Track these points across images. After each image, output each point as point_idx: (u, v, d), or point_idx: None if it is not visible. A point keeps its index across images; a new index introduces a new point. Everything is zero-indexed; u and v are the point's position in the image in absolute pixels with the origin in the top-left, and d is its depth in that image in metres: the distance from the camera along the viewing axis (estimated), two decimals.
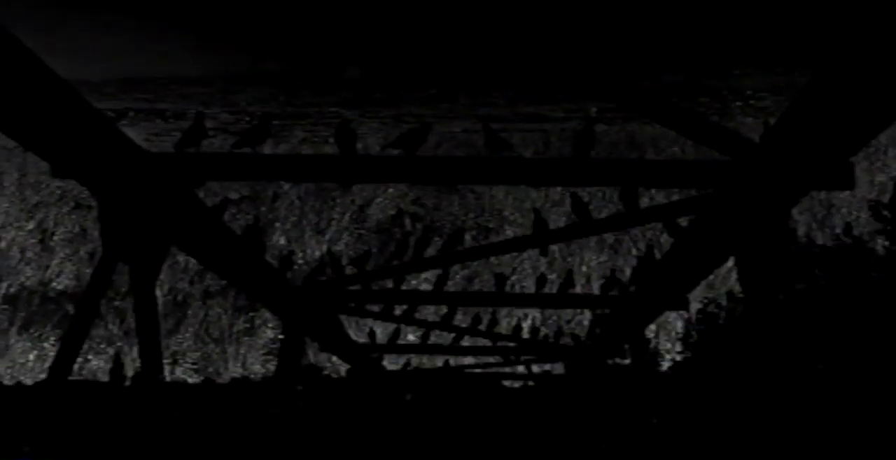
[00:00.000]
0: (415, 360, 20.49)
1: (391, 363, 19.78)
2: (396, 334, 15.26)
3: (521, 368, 20.18)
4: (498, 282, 11.41)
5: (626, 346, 14.58)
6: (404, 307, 12.49)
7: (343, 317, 13.59)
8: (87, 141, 5.39)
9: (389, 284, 11.00)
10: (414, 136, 5.95)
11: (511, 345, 15.83)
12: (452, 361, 20.06)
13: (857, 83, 4.13)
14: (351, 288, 10.69)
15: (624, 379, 16.15)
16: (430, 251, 9.37)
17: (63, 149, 5.41)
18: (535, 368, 20.23)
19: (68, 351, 5.40)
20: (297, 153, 7.54)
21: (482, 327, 13.84)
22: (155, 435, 6.35)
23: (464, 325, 13.92)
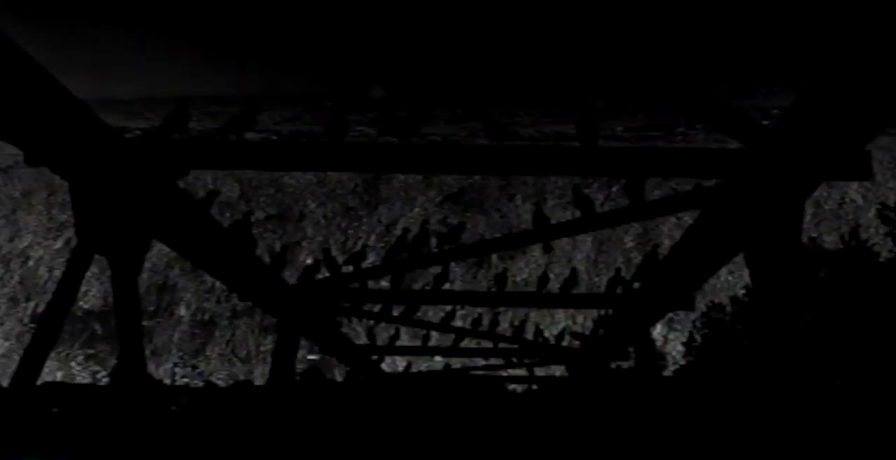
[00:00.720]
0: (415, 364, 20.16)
1: (390, 366, 19.46)
2: (396, 336, 14.94)
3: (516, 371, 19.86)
4: (498, 282, 11.10)
5: (630, 349, 14.26)
6: (403, 308, 12.20)
7: (348, 321, 13.33)
8: (60, 126, 5.11)
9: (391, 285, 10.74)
10: (409, 123, 5.65)
11: (513, 347, 15.52)
12: (456, 363, 19.74)
13: (871, 71, 3.86)
14: (348, 287, 10.39)
15: (628, 382, 15.80)
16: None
17: (35, 135, 5.12)
18: (540, 371, 19.88)
19: (38, 350, 5.10)
20: (284, 140, 7.27)
21: (482, 328, 13.53)
22: (138, 437, 6.06)
23: (465, 327, 13.60)
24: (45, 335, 5.15)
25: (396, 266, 9.10)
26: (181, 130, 6.02)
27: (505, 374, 20.26)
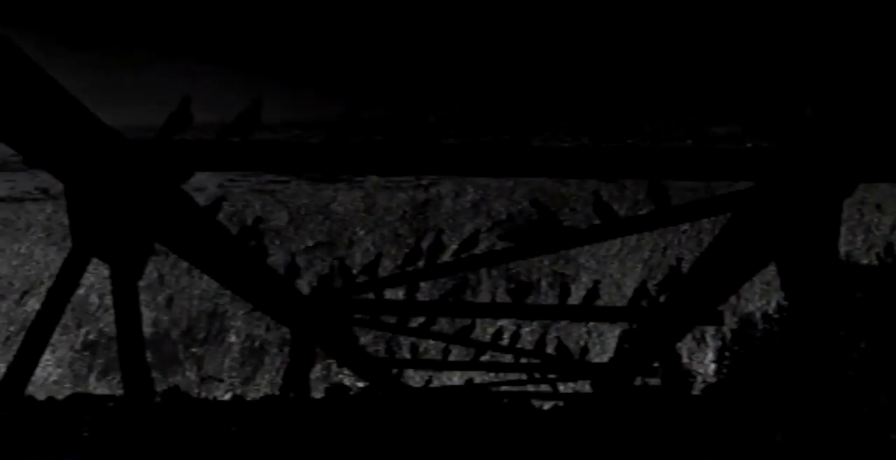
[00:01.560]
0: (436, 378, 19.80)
1: (411, 379, 19.12)
2: (416, 349, 14.62)
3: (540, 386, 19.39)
4: (519, 293, 10.76)
5: (657, 365, 13.81)
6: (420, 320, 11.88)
7: (367, 333, 13.04)
8: (57, 125, 4.91)
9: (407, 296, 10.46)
10: (411, 122, 5.38)
11: (535, 361, 15.11)
12: (477, 378, 19.34)
13: None
14: (363, 297, 10.11)
15: (655, 400, 15.31)
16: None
17: (33, 135, 4.93)
18: (563, 387, 19.40)
19: (27, 357, 4.86)
20: (289, 141, 7.05)
21: (503, 341, 13.16)
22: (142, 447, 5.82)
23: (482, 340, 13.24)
24: (34, 341, 4.91)
25: (411, 275, 8.80)
26: (184, 130, 5.80)
27: (531, 389, 19.80)
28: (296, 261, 9.12)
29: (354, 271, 9.73)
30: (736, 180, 5.48)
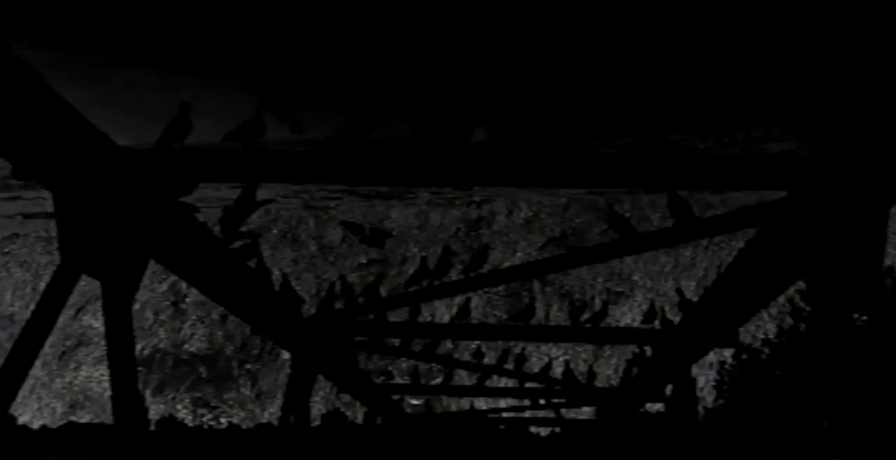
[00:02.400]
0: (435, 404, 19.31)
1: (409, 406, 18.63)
2: (416, 373, 14.22)
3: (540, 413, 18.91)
4: (525, 315, 10.42)
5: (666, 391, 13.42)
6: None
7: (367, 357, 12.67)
8: (49, 130, 4.61)
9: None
10: (433, 131, 5.09)
11: (539, 386, 14.71)
12: (479, 404, 18.88)
13: None
14: (364, 319, 9.76)
15: (663, 426, 14.88)
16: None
17: (21, 141, 4.62)
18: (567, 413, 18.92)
19: (9, 377, 4.50)
20: (300, 150, 6.77)
21: (508, 366, 12.77)
22: None
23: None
24: (18, 361, 4.56)
25: (416, 296, 8.45)
26: (183, 139, 5.50)
27: (531, 415, 19.33)
28: (288, 280, 8.77)
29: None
30: (768, 189, 5.18)
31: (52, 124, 4.55)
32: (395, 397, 16.65)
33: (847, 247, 4.95)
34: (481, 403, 19.03)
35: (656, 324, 9.97)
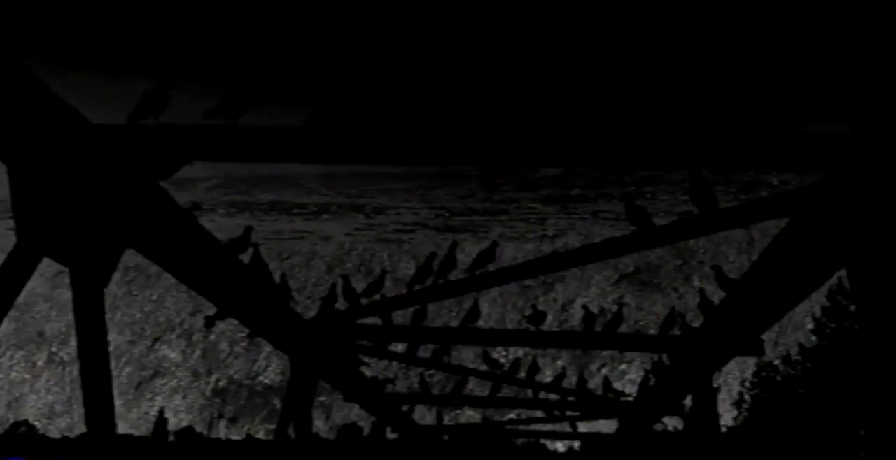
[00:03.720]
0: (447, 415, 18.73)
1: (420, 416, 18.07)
2: (424, 382, 13.68)
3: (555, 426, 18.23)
4: (535, 320, 9.89)
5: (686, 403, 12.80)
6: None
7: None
8: (9, 104, 4.20)
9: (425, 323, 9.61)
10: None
11: (554, 398, 14.12)
12: (493, 415, 18.27)
13: None
14: (366, 322, 9.27)
15: (683, 442, 14.24)
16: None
17: None
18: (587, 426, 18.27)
19: None
20: (290, 125, 6.33)
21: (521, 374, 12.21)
22: None
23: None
24: None
25: (421, 295, 7.95)
26: (158, 115, 5.07)
27: (548, 428, 18.68)
28: (286, 279, 8.30)
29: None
30: (803, 172, 4.65)
31: (6, 88, 4.13)
32: (405, 407, 16.13)
33: (891, 234, 4.41)
34: (494, 414, 18.43)
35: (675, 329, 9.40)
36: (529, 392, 13.96)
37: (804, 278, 5.52)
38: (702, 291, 8.26)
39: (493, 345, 10.13)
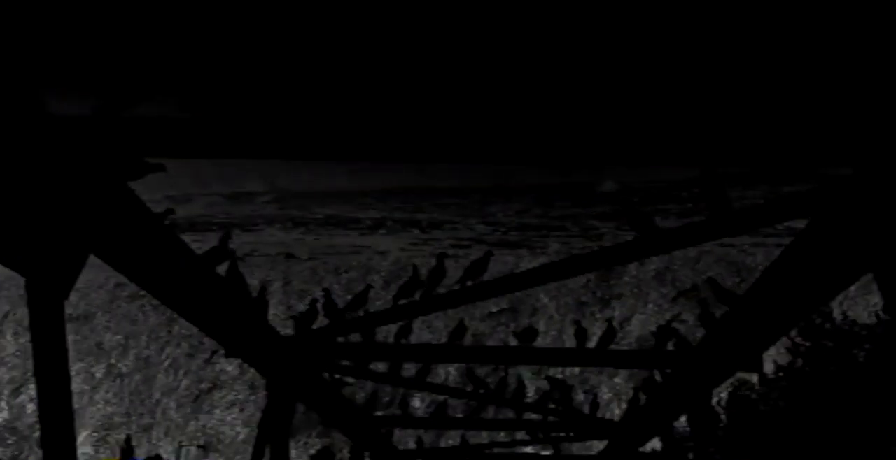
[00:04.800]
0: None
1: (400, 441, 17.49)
2: (405, 402, 13.17)
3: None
4: (526, 337, 9.48)
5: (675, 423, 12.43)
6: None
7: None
8: None
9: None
10: None
11: (538, 418, 13.66)
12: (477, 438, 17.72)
13: None
14: (347, 340, 8.79)
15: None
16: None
17: None
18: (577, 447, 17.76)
19: None
20: (270, 119, 5.86)
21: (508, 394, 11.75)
22: None
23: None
24: None
25: (407, 310, 7.51)
26: (134, 107, 4.61)
27: (531, 451, 18.18)
28: (264, 293, 7.82)
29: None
30: (830, 166, 4.30)
31: None
32: (384, 430, 15.56)
33: None
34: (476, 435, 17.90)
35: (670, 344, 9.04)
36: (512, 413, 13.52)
37: (823, 285, 5.18)
38: (703, 303, 7.91)
39: (480, 362, 9.70)
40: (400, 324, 8.65)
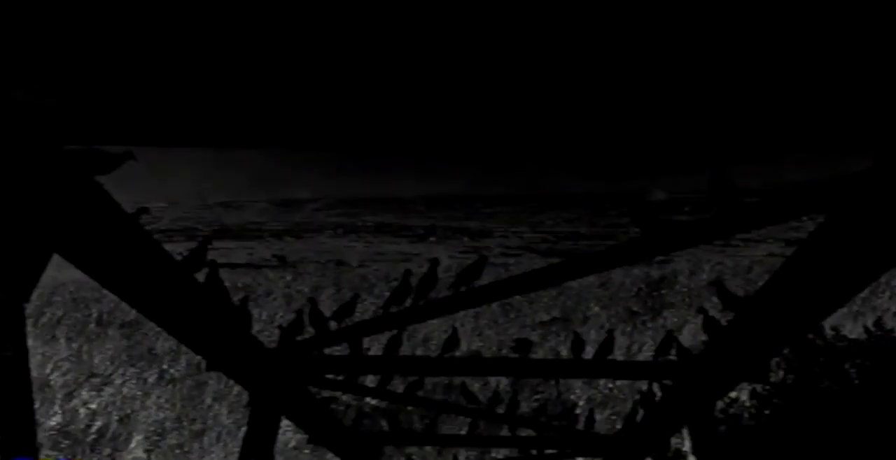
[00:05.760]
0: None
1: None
2: (396, 419, 12.75)
3: None
4: (521, 348, 9.12)
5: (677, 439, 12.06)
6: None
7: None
8: None
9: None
10: None
11: (532, 434, 13.27)
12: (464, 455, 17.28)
13: None
14: (333, 352, 8.40)
15: None
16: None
17: None
18: None
19: None
20: (251, 109, 5.50)
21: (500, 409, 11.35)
22: None
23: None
24: None
25: (396, 318, 7.13)
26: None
27: None
28: (246, 301, 7.45)
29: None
30: (848, 154, 4.00)
31: None
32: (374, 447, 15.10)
33: None
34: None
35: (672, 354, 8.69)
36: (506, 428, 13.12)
37: (842, 284, 4.85)
38: (703, 310, 7.58)
39: (473, 374, 9.32)
40: (391, 334, 8.28)
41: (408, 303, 6.88)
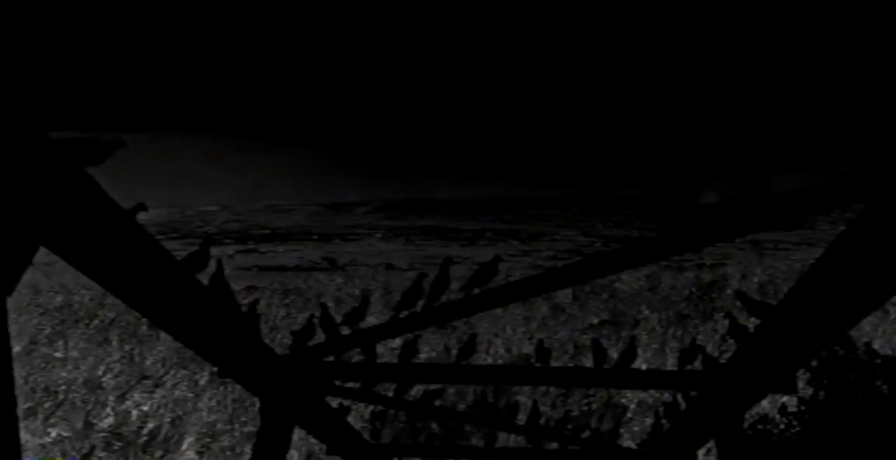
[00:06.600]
0: None
1: None
2: (415, 430, 12.44)
3: None
4: (541, 356, 8.80)
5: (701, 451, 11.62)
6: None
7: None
8: None
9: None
10: None
11: (555, 446, 12.87)
12: None
13: None
14: (346, 359, 8.14)
15: None
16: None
17: None
18: None
19: None
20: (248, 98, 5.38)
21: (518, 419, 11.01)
22: None
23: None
24: None
25: (409, 322, 6.86)
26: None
27: None
28: (255, 306, 7.20)
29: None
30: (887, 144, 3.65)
31: None
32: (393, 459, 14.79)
33: None
34: None
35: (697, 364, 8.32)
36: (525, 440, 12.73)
37: (881, 284, 4.50)
38: (730, 316, 7.21)
39: (492, 383, 9.00)
40: (404, 340, 8.00)
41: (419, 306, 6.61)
